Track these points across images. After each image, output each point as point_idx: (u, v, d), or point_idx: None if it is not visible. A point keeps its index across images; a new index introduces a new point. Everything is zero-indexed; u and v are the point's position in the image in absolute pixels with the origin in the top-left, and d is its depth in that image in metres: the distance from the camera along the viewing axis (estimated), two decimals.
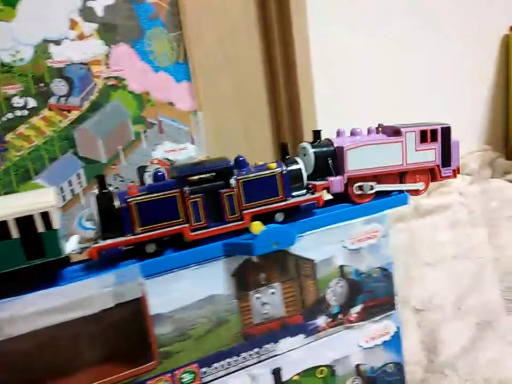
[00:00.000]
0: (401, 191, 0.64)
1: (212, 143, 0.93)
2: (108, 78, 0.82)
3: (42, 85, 0.77)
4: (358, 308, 0.63)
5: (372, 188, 0.62)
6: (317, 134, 0.63)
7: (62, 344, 0.49)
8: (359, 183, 0.61)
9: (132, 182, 0.85)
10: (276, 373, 0.59)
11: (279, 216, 0.57)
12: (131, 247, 0.51)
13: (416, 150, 0.63)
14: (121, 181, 0.85)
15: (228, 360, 0.56)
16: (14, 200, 0.51)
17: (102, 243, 0.49)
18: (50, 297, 0.47)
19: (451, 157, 0.65)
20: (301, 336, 0.60)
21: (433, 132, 0.63)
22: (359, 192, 0.62)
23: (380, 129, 0.65)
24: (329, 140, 0.62)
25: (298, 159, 0.59)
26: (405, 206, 0.66)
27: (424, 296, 0.90)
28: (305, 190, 0.59)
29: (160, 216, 0.51)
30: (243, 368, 0.57)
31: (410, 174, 0.64)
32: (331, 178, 0.60)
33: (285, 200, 0.57)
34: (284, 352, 0.59)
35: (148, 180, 0.87)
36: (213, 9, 0.90)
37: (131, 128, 0.85)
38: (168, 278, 0.52)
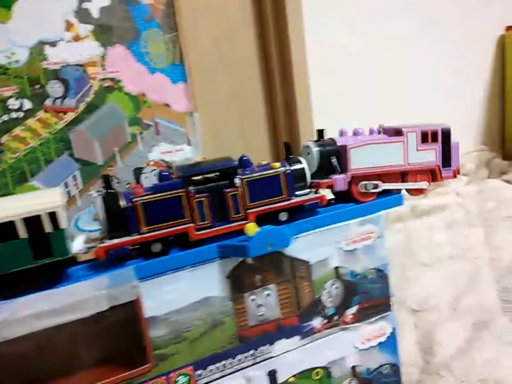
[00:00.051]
0: (399, 191, 0.65)
1: (208, 144, 0.93)
2: (104, 79, 0.82)
3: (37, 86, 0.77)
4: (353, 309, 0.63)
5: (376, 186, 0.62)
6: (320, 133, 0.64)
7: (57, 347, 0.49)
8: (364, 182, 0.62)
9: (128, 183, 0.85)
10: (272, 375, 0.59)
11: (283, 216, 0.58)
12: (137, 246, 0.52)
13: (417, 150, 0.63)
14: (118, 182, 0.85)
15: (223, 362, 0.56)
16: (21, 201, 0.51)
17: (109, 242, 0.50)
18: (45, 300, 0.47)
19: (451, 157, 0.65)
20: (297, 337, 0.60)
21: (434, 132, 0.64)
22: (364, 190, 0.62)
23: (381, 129, 0.65)
24: (332, 139, 0.63)
25: (301, 159, 0.60)
26: (402, 207, 0.66)
27: (421, 297, 0.91)
28: (308, 190, 0.60)
29: (165, 216, 0.52)
30: (238, 370, 0.57)
31: (411, 174, 0.64)
32: (335, 176, 0.61)
33: (289, 199, 0.57)
34: (280, 354, 0.59)
35: (145, 181, 0.87)
36: (208, 10, 0.90)
37: (127, 129, 0.85)
38: (163, 280, 0.52)
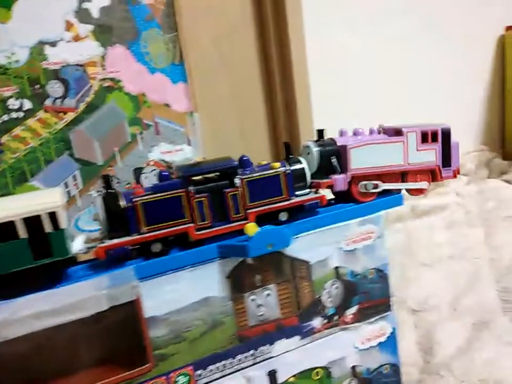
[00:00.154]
0: (399, 191, 0.65)
1: (208, 144, 0.93)
2: (104, 79, 0.82)
3: (37, 86, 0.77)
4: (353, 309, 0.63)
5: (376, 186, 0.62)
6: (320, 133, 0.64)
7: (57, 347, 0.49)
8: (364, 182, 0.62)
9: (128, 183, 0.85)
10: (272, 375, 0.59)
11: (283, 216, 0.58)
12: (137, 246, 0.52)
13: (417, 150, 0.63)
14: (118, 182, 0.85)
15: (223, 362, 0.56)
16: (21, 201, 0.51)
17: (109, 242, 0.50)
18: (45, 300, 0.47)
19: (451, 157, 0.65)
20: (297, 337, 0.60)
21: (434, 132, 0.64)
22: (364, 190, 0.62)
23: (381, 129, 0.65)
24: (332, 139, 0.63)
25: (301, 159, 0.60)
26: (402, 207, 0.66)
27: (421, 297, 0.91)
28: (308, 190, 0.60)
29: (165, 216, 0.52)
30: (238, 370, 0.57)
31: (411, 174, 0.64)
32: (335, 176, 0.61)
33: (289, 199, 0.57)
34: (280, 354, 0.59)
35: (145, 181, 0.87)
36: (208, 10, 0.90)
37: (127, 129, 0.85)
38: (163, 280, 0.52)
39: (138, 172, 0.86)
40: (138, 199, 0.51)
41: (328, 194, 0.62)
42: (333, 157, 0.62)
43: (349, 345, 0.63)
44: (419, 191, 0.66)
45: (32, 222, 0.45)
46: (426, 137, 0.63)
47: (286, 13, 0.94)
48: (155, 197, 0.51)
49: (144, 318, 0.51)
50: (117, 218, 0.50)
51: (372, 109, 1.04)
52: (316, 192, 0.60)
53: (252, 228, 0.53)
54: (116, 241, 0.50)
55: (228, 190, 0.54)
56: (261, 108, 1.00)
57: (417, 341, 0.86)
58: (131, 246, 0.51)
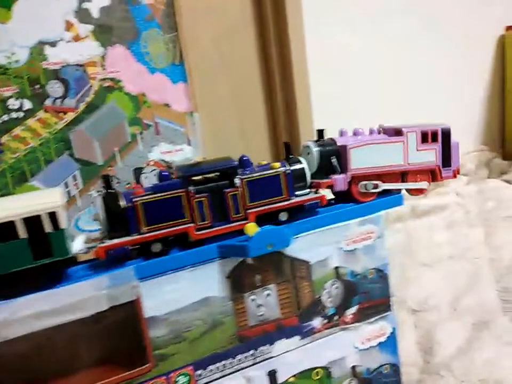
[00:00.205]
0: (399, 191, 0.65)
1: (208, 144, 0.93)
2: (104, 79, 0.82)
3: (37, 86, 0.77)
4: (353, 309, 0.63)
5: (376, 186, 0.62)
6: (320, 133, 0.64)
7: (57, 347, 0.49)
8: (364, 182, 0.62)
9: (128, 183, 0.85)
10: (272, 375, 0.59)
11: (283, 216, 0.58)
12: (137, 246, 0.52)
13: (417, 150, 0.64)
14: (118, 182, 0.85)
15: (223, 362, 0.56)
16: (21, 201, 0.51)
17: (109, 242, 0.50)
18: (45, 300, 0.47)
19: (451, 157, 0.65)
20: (297, 337, 0.60)
21: (434, 132, 0.64)
22: (364, 190, 0.62)
23: (381, 129, 0.65)
24: (332, 139, 0.63)
25: (301, 159, 0.60)
26: (402, 207, 0.66)
27: (421, 297, 0.91)
28: (308, 190, 0.60)
29: (165, 216, 0.52)
30: (238, 370, 0.57)
31: (411, 174, 0.64)
32: (335, 176, 0.61)
33: (289, 199, 0.57)
34: (280, 354, 0.59)
35: (145, 181, 0.87)
36: (208, 10, 0.90)
37: (127, 129, 0.85)
38: (163, 280, 0.52)
39: (138, 172, 0.86)
40: (138, 199, 0.51)
41: (328, 194, 0.62)
42: (333, 157, 0.62)
43: (349, 345, 0.63)
44: (419, 191, 0.66)
45: (32, 222, 0.45)
46: (426, 137, 0.64)
47: (286, 13, 0.94)
48: (155, 197, 0.51)
49: (144, 318, 0.51)
50: (117, 218, 0.50)
51: (371, 109, 1.04)
52: (315, 192, 0.60)
53: (251, 228, 0.53)
54: (116, 241, 0.50)
55: (228, 190, 0.54)
56: (261, 108, 1.00)
57: (417, 341, 0.86)
58: (131, 246, 0.51)
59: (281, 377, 0.59)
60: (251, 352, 0.57)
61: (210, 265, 0.54)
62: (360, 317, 0.64)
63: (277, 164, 0.57)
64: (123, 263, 0.51)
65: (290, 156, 0.61)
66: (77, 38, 0.79)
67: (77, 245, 0.51)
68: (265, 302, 0.58)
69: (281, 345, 0.59)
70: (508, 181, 1.17)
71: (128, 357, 0.51)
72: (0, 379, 0.47)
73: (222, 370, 0.56)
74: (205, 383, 0.55)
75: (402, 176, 0.65)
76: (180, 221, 0.53)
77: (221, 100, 0.94)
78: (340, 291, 0.62)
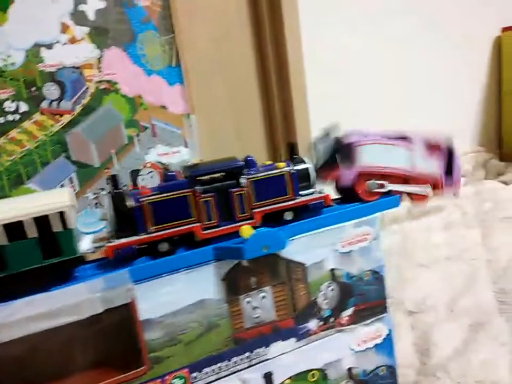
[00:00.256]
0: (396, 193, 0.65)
1: (205, 146, 0.93)
2: (100, 81, 0.82)
3: (34, 89, 0.77)
4: (349, 311, 0.63)
5: (381, 186, 0.63)
6: (327, 130, 0.65)
7: (52, 349, 0.49)
8: (371, 180, 0.62)
9: (125, 185, 0.85)
10: (267, 377, 0.59)
11: (288, 215, 0.58)
12: (144, 246, 0.52)
13: (423, 159, 0.64)
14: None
15: (219, 364, 0.56)
16: (30, 201, 0.51)
17: (117, 242, 0.50)
18: (40, 303, 0.47)
19: (453, 173, 0.66)
20: (292, 340, 0.60)
21: (441, 146, 0.65)
22: (372, 188, 0.63)
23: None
24: (339, 137, 0.64)
25: (305, 159, 0.61)
26: (399, 208, 0.66)
27: (417, 298, 0.91)
28: (313, 189, 0.60)
29: (172, 216, 0.53)
30: (234, 372, 0.57)
31: (413, 181, 0.65)
32: (341, 171, 0.61)
33: (294, 199, 0.58)
34: (275, 356, 0.59)
35: (141, 183, 0.87)
36: (205, 12, 0.90)
37: (124, 131, 0.85)
38: (158, 283, 0.52)
39: (135, 174, 0.87)
40: (145, 199, 0.51)
41: (331, 194, 0.62)
42: (340, 152, 0.62)
43: (345, 347, 0.63)
44: (422, 198, 0.66)
45: (41, 221, 0.46)
46: (432, 148, 0.64)
47: (282, 13, 0.94)
48: (162, 197, 0.52)
49: (139, 321, 0.51)
50: (125, 218, 0.51)
51: (371, 109, 1.05)
52: (320, 192, 0.60)
53: (247, 230, 0.53)
54: (123, 240, 0.51)
55: (234, 189, 0.55)
56: (258, 109, 1.00)
57: (414, 343, 0.86)
58: (138, 245, 0.51)
59: (277, 380, 0.59)
60: (247, 354, 0.57)
61: (205, 268, 0.54)
62: (356, 318, 0.64)
63: (282, 164, 0.58)
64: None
65: (295, 156, 0.61)
66: (73, 40, 0.79)
67: (85, 245, 0.52)
68: (260, 304, 0.58)
69: (277, 347, 0.59)
70: (504, 182, 1.17)
71: (123, 359, 0.51)
72: None
73: (218, 373, 0.56)
74: None
75: (404, 182, 0.65)
76: (187, 220, 0.53)
77: (218, 101, 0.95)
78: (335, 293, 0.62)
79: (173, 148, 0.89)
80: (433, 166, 0.65)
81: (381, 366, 0.66)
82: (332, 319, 0.62)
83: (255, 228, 0.54)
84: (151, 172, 0.88)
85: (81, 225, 0.81)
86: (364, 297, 0.64)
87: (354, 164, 0.62)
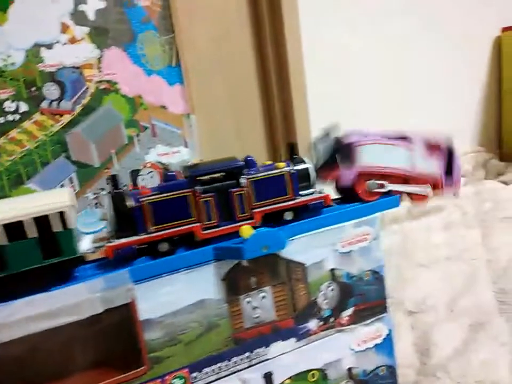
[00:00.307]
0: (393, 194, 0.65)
1: (205, 146, 0.93)
2: (100, 81, 0.82)
3: (34, 89, 0.77)
4: (349, 311, 0.63)
5: (381, 186, 0.63)
6: (327, 130, 0.65)
7: (52, 349, 0.49)
8: (372, 180, 0.62)
9: (125, 185, 0.85)
10: (267, 377, 0.59)
11: (288, 215, 0.58)
12: (144, 246, 0.52)
13: (423, 159, 0.64)
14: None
15: (219, 364, 0.56)
16: (30, 201, 0.51)
17: (117, 242, 0.50)
18: (40, 303, 0.47)
19: (453, 173, 0.66)
20: (292, 340, 0.60)
21: (441, 147, 0.65)
22: (372, 188, 0.63)
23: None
24: (339, 137, 0.64)
25: (305, 159, 0.61)
26: (399, 208, 0.66)
27: (417, 298, 0.91)
28: (313, 189, 0.60)
29: (172, 215, 0.53)
30: (234, 372, 0.57)
31: (413, 181, 0.65)
32: (341, 170, 0.61)
33: (294, 199, 0.58)
34: (275, 356, 0.59)
35: (141, 183, 0.87)
36: (205, 12, 0.90)
37: (124, 131, 0.85)
38: (158, 283, 0.52)
39: (135, 174, 0.87)
40: (145, 199, 0.51)
41: (331, 194, 0.62)
42: (340, 152, 0.62)
43: (345, 347, 0.63)
44: (422, 198, 0.66)
45: (41, 221, 0.46)
46: (432, 148, 0.64)
47: (282, 13, 0.94)
48: (162, 197, 0.52)
49: (139, 321, 0.51)
50: (125, 217, 0.51)
51: (371, 109, 1.05)
52: (320, 192, 0.60)
53: (247, 230, 0.53)
54: (123, 240, 0.51)
55: (234, 189, 0.55)
56: (258, 109, 1.00)
57: (414, 343, 0.86)
58: (138, 245, 0.52)
59: (277, 380, 0.59)
60: (247, 354, 0.57)
61: (205, 268, 0.54)
62: (356, 318, 0.64)
63: (282, 164, 0.58)
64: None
65: (295, 156, 0.61)
66: (73, 40, 0.79)
67: (85, 245, 0.52)
68: (260, 304, 0.58)
69: (277, 347, 0.59)
70: (504, 182, 1.17)
71: (123, 359, 0.51)
72: None
73: (218, 373, 0.56)
74: None
75: (404, 182, 0.65)
76: (187, 220, 0.53)
77: (218, 101, 0.95)
78: (335, 293, 0.62)
79: (173, 148, 0.89)
80: (433, 166, 0.65)
81: (381, 366, 0.66)
82: (332, 319, 0.62)
83: (255, 227, 0.54)
84: (151, 172, 0.88)
85: (81, 225, 0.81)
86: (364, 297, 0.64)
87: (354, 164, 0.62)
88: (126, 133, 0.85)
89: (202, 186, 0.54)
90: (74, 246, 0.48)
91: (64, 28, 0.78)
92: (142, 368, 0.52)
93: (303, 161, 0.60)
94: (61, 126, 0.80)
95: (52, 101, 0.79)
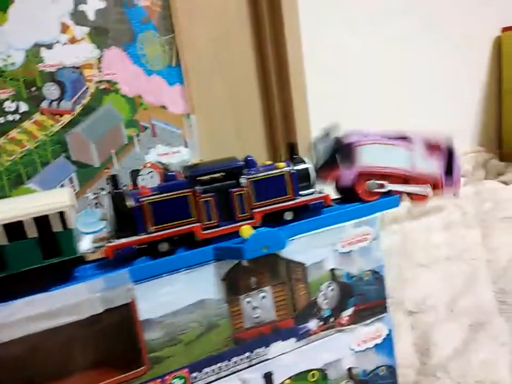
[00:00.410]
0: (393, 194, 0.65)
1: (205, 146, 0.93)
2: (100, 81, 0.82)
3: (34, 89, 0.77)
4: (349, 311, 0.63)
5: (381, 186, 0.63)
6: (327, 130, 0.65)
7: (52, 350, 0.49)
8: (372, 180, 0.62)
9: (125, 185, 0.85)
10: (267, 377, 0.59)
11: (288, 215, 0.58)
12: (144, 246, 0.52)
13: (423, 159, 0.64)
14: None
15: (219, 364, 0.56)
16: (30, 201, 0.51)
17: (117, 242, 0.50)
18: (40, 303, 0.47)
19: (453, 173, 0.66)
20: (292, 340, 0.60)
21: (441, 147, 0.65)
22: (371, 188, 0.63)
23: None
24: (339, 137, 0.64)
25: (305, 159, 0.61)
26: (399, 208, 0.66)
27: (418, 298, 0.91)
28: (313, 189, 0.60)
29: (172, 215, 0.53)
30: (234, 372, 0.57)
31: (413, 181, 0.65)
32: (341, 170, 0.61)
33: (294, 199, 0.58)
34: (275, 356, 0.59)
35: (141, 183, 0.87)
36: (205, 12, 0.90)
37: (124, 131, 0.85)
38: (158, 283, 0.52)
39: (135, 174, 0.87)
40: (145, 199, 0.51)
41: (331, 194, 0.62)
42: (340, 152, 0.62)
43: (345, 347, 0.63)
44: (422, 198, 0.66)
45: (41, 221, 0.46)
46: (432, 148, 0.64)
47: (282, 13, 0.94)
48: (162, 197, 0.52)
49: (140, 321, 0.51)
50: (125, 218, 0.51)
51: (371, 109, 1.05)
52: (320, 192, 0.60)
53: (247, 230, 0.53)
54: (123, 240, 0.51)
55: (234, 189, 0.55)
56: (258, 109, 1.00)
57: (414, 342, 0.86)
58: (138, 245, 0.52)
59: (277, 380, 0.59)
60: (247, 354, 0.57)
61: (205, 268, 0.54)
62: (356, 318, 0.64)
63: (282, 164, 0.58)
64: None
65: (295, 156, 0.61)
66: (73, 40, 0.79)
67: (85, 245, 0.52)
68: (260, 304, 0.58)
69: (277, 347, 0.59)
70: (504, 182, 1.17)
71: (123, 359, 0.51)
72: None
73: (218, 373, 0.56)
74: None
75: (404, 182, 0.65)
76: (187, 220, 0.53)
77: (218, 101, 0.95)
78: (335, 293, 0.62)
79: (173, 148, 0.89)
80: (433, 166, 0.65)
81: (381, 366, 0.66)
82: (331, 319, 0.62)
83: (255, 228, 0.54)
84: (151, 172, 0.88)
85: (81, 225, 0.81)
86: (363, 297, 0.64)
87: (354, 164, 0.62)
88: (126, 133, 0.85)
89: (203, 186, 0.54)
90: (74, 246, 0.48)
91: (64, 28, 0.78)
92: (142, 368, 0.52)
93: (303, 161, 0.61)
94: (61, 126, 0.80)
95: (52, 101, 0.79)
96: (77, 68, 0.80)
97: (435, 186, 0.66)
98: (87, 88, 0.81)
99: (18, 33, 0.75)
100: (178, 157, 0.90)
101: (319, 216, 0.60)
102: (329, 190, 0.62)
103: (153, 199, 0.52)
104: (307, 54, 0.98)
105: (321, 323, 0.62)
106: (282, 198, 0.57)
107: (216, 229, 0.55)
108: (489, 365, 0.80)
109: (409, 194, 0.66)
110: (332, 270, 0.62)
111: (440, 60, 1.22)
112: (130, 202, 0.51)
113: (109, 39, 0.81)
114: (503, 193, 1.10)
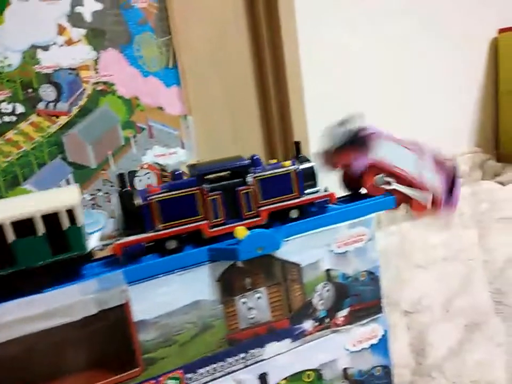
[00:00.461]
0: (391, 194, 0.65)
1: (202, 147, 0.93)
2: (97, 83, 0.82)
3: (30, 90, 0.77)
4: (345, 312, 0.63)
5: (388, 183, 0.63)
6: (344, 120, 0.65)
7: (45, 351, 0.49)
8: (381, 175, 0.63)
9: None
10: (262, 377, 0.59)
11: (294, 213, 0.59)
12: (151, 243, 0.53)
13: (430, 171, 0.65)
14: (111, 186, 0.85)
15: (214, 365, 0.56)
16: (39, 198, 0.52)
17: (125, 239, 0.51)
18: (34, 304, 0.47)
19: (453, 196, 0.66)
20: (288, 340, 0.60)
21: (445, 164, 0.65)
22: (379, 183, 0.63)
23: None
24: (357, 127, 0.64)
25: (310, 157, 0.61)
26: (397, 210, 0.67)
27: (413, 298, 0.91)
28: (318, 188, 0.61)
29: (180, 213, 0.53)
30: (229, 373, 0.57)
31: (416, 188, 0.65)
32: (354, 157, 0.62)
33: (299, 197, 0.58)
34: (271, 357, 0.59)
35: (138, 184, 0.87)
36: (202, 14, 0.90)
37: (120, 133, 0.85)
38: (153, 284, 0.52)
39: (132, 175, 0.87)
40: (153, 197, 0.52)
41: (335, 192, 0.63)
42: (358, 139, 0.63)
43: (340, 347, 0.64)
44: (421, 208, 0.65)
45: (51, 218, 0.47)
46: (439, 165, 0.65)
47: (279, 15, 0.95)
48: (170, 195, 0.52)
49: (134, 322, 0.51)
50: (133, 215, 0.51)
51: (370, 109, 1.04)
52: (325, 190, 0.61)
53: (241, 231, 0.53)
54: (131, 238, 0.51)
55: (241, 188, 0.55)
56: (255, 110, 1.01)
57: (410, 343, 0.86)
58: (146, 243, 0.52)
59: (272, 380, 0.59)
60: (242, 355, 0.57)
61: (200, 269, 0.54)
62: (352, 319, 0.64)
63: (288, 163, 0.58)
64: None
65: (300, 155, 0.62)
66: (69, 42, 0.79)
67: (93, 242, 0.52)
68: (256, 305, 0.58)
69: (272, 348, 0.59)
70: (501, 183, 1.18)
71: (117, 360, 0.51)
72: None
73: (213, 374, 0.56)
74: None
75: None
76: (194, 218, 0.54)
77: (215, 102, 0.95)
78: (331, 293, 0.62)
79: (170, 149, 0.90)
80: (437, 181, 0.65)
81: (376, 366, 0.66)
82: (327, 320, 0.62)
83: (261, 225, 0.55)
84: (148, 173, 0.88)
85: None
86: (359, 297, 0.64)
87: (369, 153, 0.62)
88: (122, 134, 0.85)
89: (210, 185, 0.54)
90: (83, 242, 0.49)
91: (61, 30, 0.78)
92: (136, 369, 0.52)
93: (308, 160, 0.61)
94: (58, 128, 0.80)
95: (49, 102, 0.79)
96: (74, 69, 0.80)
97: (434, 202, 0.66)
98: (84, 89, 0.81)
99: (15, 35, 0.75)
100: (175, 158, 0.90)
101: (314, 217, 0.60)
102: (333, 189, 0.62)
103: (161, 197, 0.52)
104: (305, 54, 0.98)
105: (317, 323, 0.62)
106: (288, 196, 0.58)
107: (223, 227, 0.55)
108: (484, 365, 0.80)
109: (409, 201, 0.66)
110: (328, 270, 0.62)
111: (438, 61, 1.22)
112: (138, 201, 0.52)
113: (106, 41, 0.81)
114: (500, 194, 1.10)
